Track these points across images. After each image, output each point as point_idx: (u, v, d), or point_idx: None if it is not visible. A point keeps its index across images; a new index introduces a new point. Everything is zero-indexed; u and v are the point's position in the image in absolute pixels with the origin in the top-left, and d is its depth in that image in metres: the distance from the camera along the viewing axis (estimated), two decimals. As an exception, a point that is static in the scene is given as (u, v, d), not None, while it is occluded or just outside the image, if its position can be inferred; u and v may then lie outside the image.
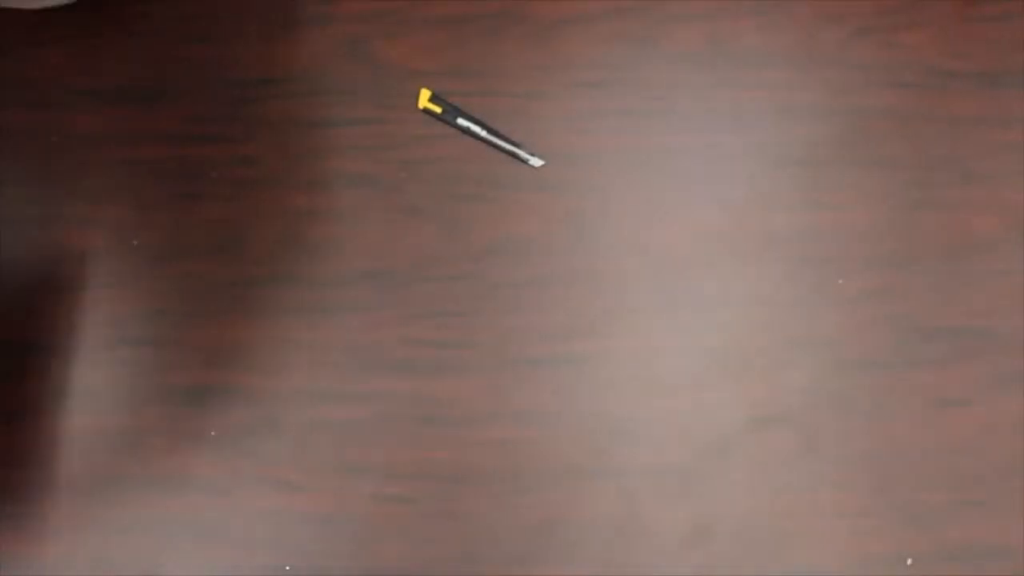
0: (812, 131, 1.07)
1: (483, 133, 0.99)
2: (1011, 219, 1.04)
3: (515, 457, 0.94)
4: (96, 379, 0.97)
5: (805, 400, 0.97)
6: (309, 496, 0.94)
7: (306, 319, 0.98)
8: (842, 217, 1.04)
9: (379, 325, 0.96)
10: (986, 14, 1.12)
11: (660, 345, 0.98)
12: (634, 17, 1.19)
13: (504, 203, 1.07)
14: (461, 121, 0.99)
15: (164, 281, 1.00)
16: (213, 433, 0.95)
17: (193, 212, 1.03)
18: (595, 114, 1.16)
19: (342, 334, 0.96)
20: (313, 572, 0.92)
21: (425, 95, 1.10)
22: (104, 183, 1.05)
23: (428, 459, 0.94)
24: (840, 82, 1.09)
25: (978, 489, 0.94)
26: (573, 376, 0.97)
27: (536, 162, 1.09)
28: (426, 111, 1.00)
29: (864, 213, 1.04)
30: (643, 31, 1.18)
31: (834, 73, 1.09)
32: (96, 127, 1.07)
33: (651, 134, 1.11)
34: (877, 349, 0.98)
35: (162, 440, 0.96)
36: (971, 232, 1.03)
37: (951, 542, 0.92)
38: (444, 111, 0.99)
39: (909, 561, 0.92)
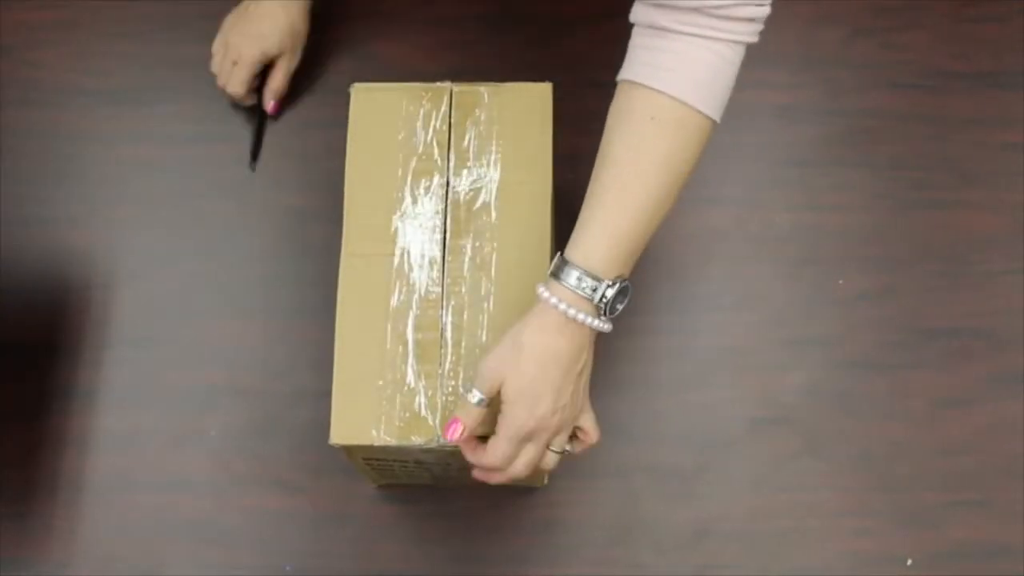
0: (812, 131, 1.07)
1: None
2: (1010, 219, 1.03)
3: (515, 457, 0.94)
4: (96, 379, 0.97)
5: (805, 400, 0.97)
6: (309, 496, 0.94)
7: (306, 319, 0.98)
8: (842, 217, 1.03)
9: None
10: (984, 15, 1.12)
11: (660, 345, 0.98)
12: (634, 18, 1.18)
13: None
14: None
15: (164, 281, 1.00)
16: (213, 433, 0.95)
17: (193, 211, 1.03)
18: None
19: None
20: (313, 572, 0.92)
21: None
22: (104, 183, 1.05)
23: (428, 459, 0.94)
24: (840, 82, 1.09)
25: (978, 489, 0.94)
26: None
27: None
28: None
29: (864, 213, 1.04)
30: (643, 32, 1.17)
31: (834, 73, 1.09)
32: (96, 127, 1.07)
33: (651, 134, 1.10)
34: (877, 349, 0.98)
35: (162, 440, 0.96)
36: (971, 232, 1.03)
37: (951, 542, 0.92)
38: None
39: (909, 561, 0.92)
